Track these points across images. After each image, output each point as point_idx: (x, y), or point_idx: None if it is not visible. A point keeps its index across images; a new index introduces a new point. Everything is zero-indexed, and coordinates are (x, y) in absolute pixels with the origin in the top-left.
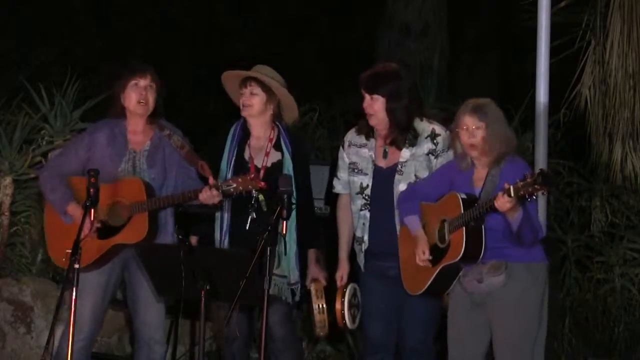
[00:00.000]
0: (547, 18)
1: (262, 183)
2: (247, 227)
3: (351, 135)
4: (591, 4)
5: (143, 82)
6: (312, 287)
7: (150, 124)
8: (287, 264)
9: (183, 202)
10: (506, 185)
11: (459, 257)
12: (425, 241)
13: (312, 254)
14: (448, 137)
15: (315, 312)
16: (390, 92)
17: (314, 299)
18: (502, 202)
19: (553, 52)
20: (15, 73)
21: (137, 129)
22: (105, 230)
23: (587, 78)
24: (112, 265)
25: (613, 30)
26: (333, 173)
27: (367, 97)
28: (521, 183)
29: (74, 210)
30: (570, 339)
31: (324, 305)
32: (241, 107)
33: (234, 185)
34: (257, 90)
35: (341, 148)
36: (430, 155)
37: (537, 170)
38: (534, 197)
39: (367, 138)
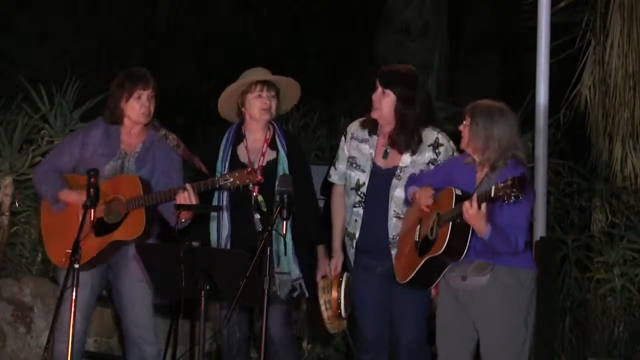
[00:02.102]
0: (547, 18)
1: (260, 177)
2: (258, 229)
3: (355, 128)
4: (591, 4)
5: (146, 92)
6: (320, 283)
7: (144, 126)
8: (286, 261)
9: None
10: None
11: (440, 252)
12: (428, 191)
13: (321, 249)
14: (451, 147)
15: (323, 308)
16: (403, 94)
17: (321, 294)
18: (466, 208)
19: (553, 52)
20: (15, 73)
21: (133, 132)
22: (103, 227)
23: (587, 78)
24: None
25: (613, 30)
26: (331, 162)
27: (380, 89)
28: (501, 184)
29: (67, 194)
30: (570, 339)
31: (331, 301)
32: (258, 111)
33: (231, 179)
34: (274, 94)
35: (343, 138)
36: (430, 164)
37: (520, 174)
38: (511, 201)
39: (370, 134)
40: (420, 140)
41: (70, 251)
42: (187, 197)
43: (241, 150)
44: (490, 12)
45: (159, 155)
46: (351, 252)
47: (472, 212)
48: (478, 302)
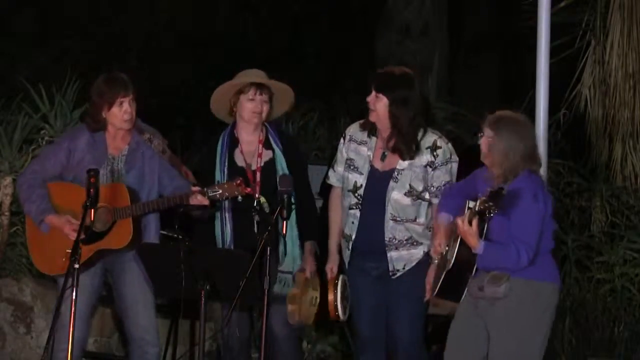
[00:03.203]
0: (547, 18)
1: (248, 189)
2: (255, 231)
3: (354, 130)
4: (591, 4)
5: (127, 98)
6: (296, 277)
7: (128, 129)
8: (291, 260)
9: (168, 207)
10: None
11: (450, 267)
12: (440, 234)
13: (308, 245)
14: (449, 150)
15: (287, 302)
16: (396, 97)
17: (293, 289)
18: (458, 226)
19: (553, 52)
20: (15, 73)
21: (117, 136)
22: (90, 235)
23: (587, 78)
24: (94, 268)
25: (613, 30)
26: (330, 164)
27: (373, 92)
28: (483, 198)
29: (53, 219)
30: (570, 339)
31: (297, 297)
32: (249, 113)
33: (220, 191)
34: (267, 98)
35: (342, 140)
36: (428, 167)
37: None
38: (491, 215)
39: (370, 135)
40: (417, 148)
41: (70, 251)
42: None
43: (237, 155)
44: (490, 12)
45: (149, 154)
46: (347, 253)
47: (463, 228)
48: (494, 312)
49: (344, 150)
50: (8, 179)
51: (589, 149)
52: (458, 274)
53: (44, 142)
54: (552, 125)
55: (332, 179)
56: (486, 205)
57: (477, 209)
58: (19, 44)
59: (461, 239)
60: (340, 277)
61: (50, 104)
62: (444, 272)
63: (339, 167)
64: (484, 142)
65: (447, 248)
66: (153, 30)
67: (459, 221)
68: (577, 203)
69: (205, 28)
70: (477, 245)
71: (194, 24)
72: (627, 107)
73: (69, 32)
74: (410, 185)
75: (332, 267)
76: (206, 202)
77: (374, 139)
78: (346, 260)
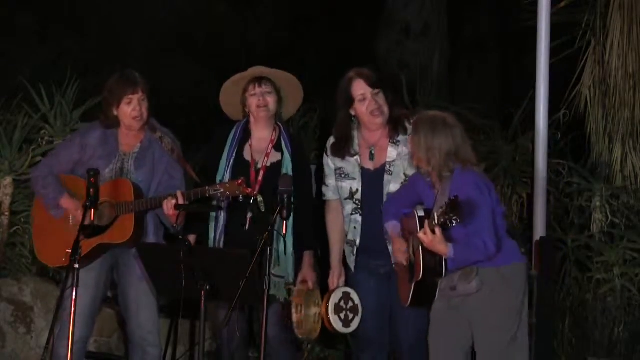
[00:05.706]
0: (547, 18)
1: (249, 189)
2: (246, 227)
3: (333, 143)
4: (591, 4)
5: (136, 96)
6: (297, 287)
7: (142, 127)
8: (285, 265)
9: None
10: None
11: (421, 277)
12: (397, 240)
13: (307, 255)
14: None
15: (293, 311)
16: (387, 85)
17: (294, 297)
18: (422, 239)
19: (553, 52)
20: (15, 73)
21: (130, 134)
22: (92, 230)
23: (587, 78)
24: (100, 266)
25: (613, 30)
26: (320, 180)
27: (373, 89)
28: (441, 210)
29: (67, 202)
30: (570, 339)
31: (302, 306)
32: (254, 108)
33: (221, 190)
34: (270, 89)
35: (325, 155)
36: None
37: (450, 198)
38: (454, 224)
39: (348, 156)
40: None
41: (70, 251)
42: (174, 204)
43: (246, 150)
44: (490, 12)
45: (159, 154)
46: (352, 259)
47: (428, 239)
48: (470, 307)
49: (330, 162)
50: (8, 179)
51: (589, 149)
52: (427, 282)
53: (44, 142)
54: (552, 125)
55: (328, 194)
56: (447, 216)
57: (438, 221)
58: (19, 44)
59: (423, 250)
60: (337, 290)
61: (50, 104)
62: (414, 283)
63: (330, 180)
64: (409, 141)
65: (411, 258)
66: (153, 29)
67: (421, 235)
68: (577, 203)
69: (205, 27)
70: (447, 250)
71: (194, 23)
72: (627, 107)
73: (68, 32)
74: (405, 174)
75: (334, 281)
76: (172, 211)
77: (356, 141)
78: (352, 265)
